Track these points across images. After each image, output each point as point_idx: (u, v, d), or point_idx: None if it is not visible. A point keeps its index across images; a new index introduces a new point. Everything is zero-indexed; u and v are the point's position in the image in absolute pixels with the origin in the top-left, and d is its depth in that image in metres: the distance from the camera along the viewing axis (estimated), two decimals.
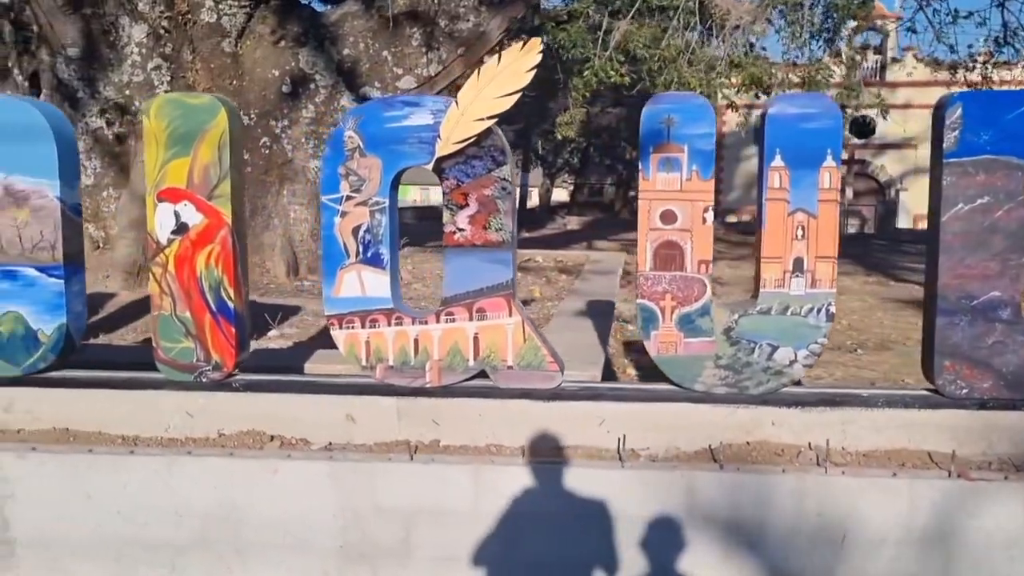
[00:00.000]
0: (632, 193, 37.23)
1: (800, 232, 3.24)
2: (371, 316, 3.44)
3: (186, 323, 3.50)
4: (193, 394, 3.53)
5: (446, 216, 3.40)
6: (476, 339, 3.41)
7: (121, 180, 8.35)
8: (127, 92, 8.30)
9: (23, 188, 3.47)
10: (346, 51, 8.98)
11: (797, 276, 3.26)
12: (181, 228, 3.46)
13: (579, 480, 3.21)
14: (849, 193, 32.01)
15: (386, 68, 8.99)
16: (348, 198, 3.40)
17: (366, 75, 8.99)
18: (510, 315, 3.39)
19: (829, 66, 12.75)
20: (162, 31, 8.25)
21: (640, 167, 3.30)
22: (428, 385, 3.47)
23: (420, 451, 3.35)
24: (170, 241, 3.47)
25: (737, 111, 12.65)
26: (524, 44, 3.25)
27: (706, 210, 3.29)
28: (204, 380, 3.55)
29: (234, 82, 8.70)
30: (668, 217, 3.29)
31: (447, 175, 3.37)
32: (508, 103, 3.28)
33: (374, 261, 3.42)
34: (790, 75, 13.81)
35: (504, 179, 3.35)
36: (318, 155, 9.04)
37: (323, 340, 4.81)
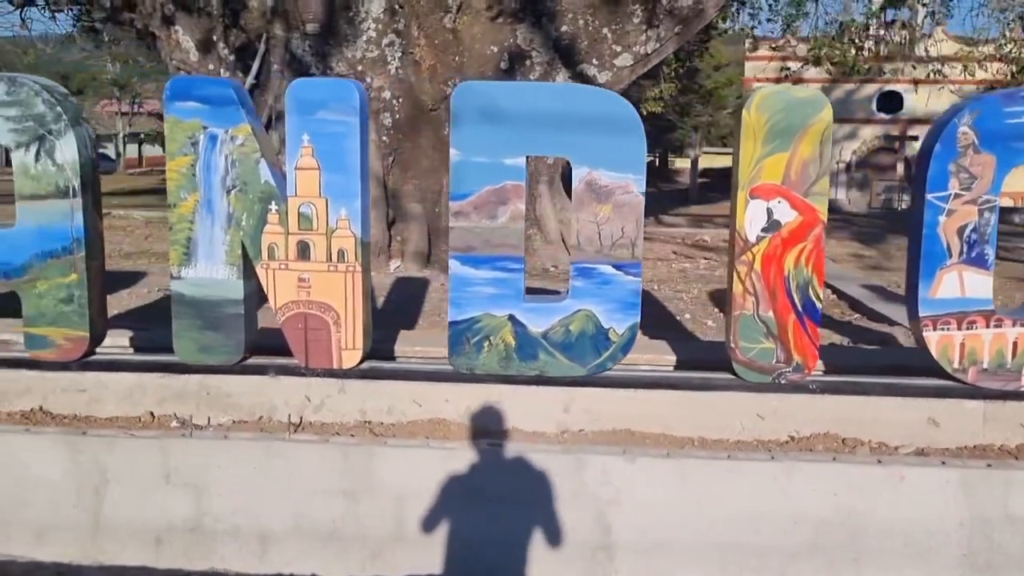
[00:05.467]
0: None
1: None
2: (969, 318, 3.35)
3: (768, 323, 3.40)
4: (765, 396, 3.44)
5: None
6: None
7: None
8: (359, 68, 8.11)
9: (607, 183, 3.34)
10: (564, 27, 8.78)
11: None
12: (772, 226, 3.34)
13: None
14: (899, 169, 31.90)
15: (605, 45, 8.80)
16: (956, 196, 3.29)
17: (584, 52, 8.80)
18: None
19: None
20: (397, 6, 8.04)
21: None
22: (1023, 389, 3.39)
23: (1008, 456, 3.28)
24: (759, 239, 3.35)
25: None
26: None
27: None
28: (782, 382, 3.45)
29: (456, 58, 8.51)
30: None
31: None
32: None
33: (978, 261, 3.32)
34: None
35: None
36: None
37: None
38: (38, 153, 3.39)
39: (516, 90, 3.42)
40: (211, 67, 8.96)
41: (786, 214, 3.32)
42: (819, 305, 3.39)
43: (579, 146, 3.33)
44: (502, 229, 3.39)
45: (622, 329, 3.44)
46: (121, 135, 39.91)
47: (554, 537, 3.26)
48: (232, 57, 8.92)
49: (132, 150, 42.90)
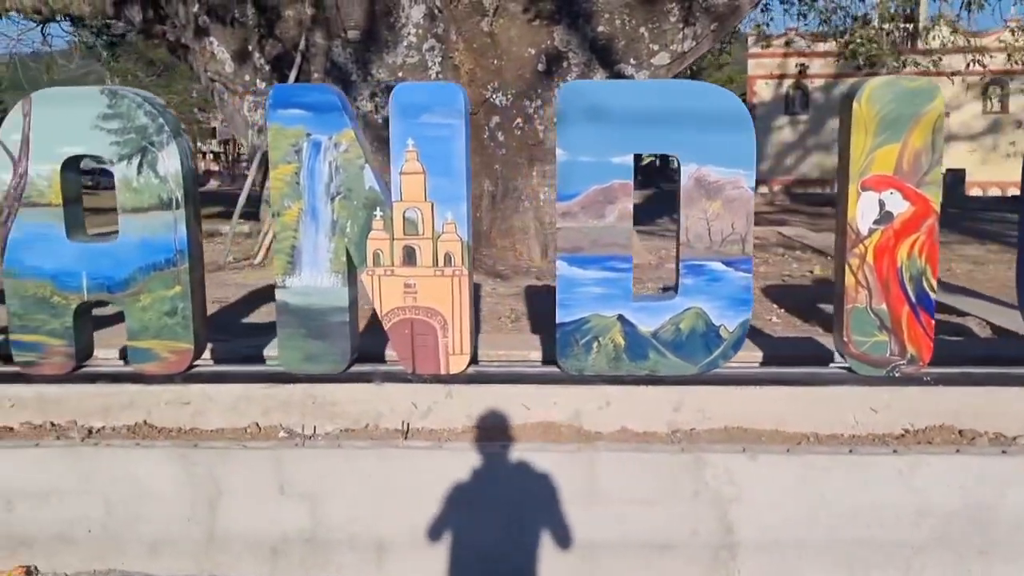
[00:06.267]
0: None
1: None
2: None
3: (881, 316, 3.37)
4: (877, 389, 3.41)
5: None
6: None
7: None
8: (400, 74, 8.09)
9: (717, 179, 3.31)
10: (600, 28, 8.75)
11: None
12: (885, 217, 3.31)
13: None
14: None
15: (642, 45, 8.78)
16: None
17: (621, 52, 8.77)
18: None
19: None
20: (436, 11, 8.04)
21: None
22: None
23: None
24: (871, 231, 3.32)
25: None
26: None
27: None
28: (896, 375, 3.42)
29: (495, 61, 8.50)
30: None
31: None
32: None
33: None
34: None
35: None
36: None
37: None
38: (140, 165, 3.37)
39: (622, 88, 3.40)
40: (247, 77, 8.96)
41: (898, 205, 3.30)
42: (933, 296, 3.36)
43: (687, 142, 3.31)
44: (610, 228, 3.37)
45: (733, 326, 3.41)
46: None
47: (676, 536, 3.23)
48: (268, 67, 8.92)
49: None
